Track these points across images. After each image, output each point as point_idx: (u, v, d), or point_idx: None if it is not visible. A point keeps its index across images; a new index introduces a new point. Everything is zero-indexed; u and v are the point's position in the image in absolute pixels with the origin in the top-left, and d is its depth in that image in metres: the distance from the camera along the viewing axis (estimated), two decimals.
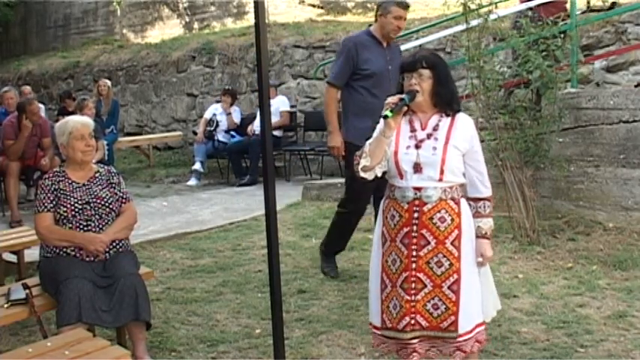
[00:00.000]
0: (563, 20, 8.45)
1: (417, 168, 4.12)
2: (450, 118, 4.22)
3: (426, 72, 4.18)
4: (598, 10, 10.02)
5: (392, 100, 4.14)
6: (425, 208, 4.12)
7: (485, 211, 4.28)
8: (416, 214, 4.14)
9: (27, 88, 14.44)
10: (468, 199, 4.28)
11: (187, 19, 18.97)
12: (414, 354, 4.19)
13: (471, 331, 4.20)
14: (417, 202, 4.13)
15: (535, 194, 7.95)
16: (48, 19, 21.56)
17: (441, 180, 4.12)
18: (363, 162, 4.19)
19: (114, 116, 13.78)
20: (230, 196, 11.39)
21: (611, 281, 6.54)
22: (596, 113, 8.03)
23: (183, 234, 8.82)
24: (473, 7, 8.34)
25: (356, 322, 5.85)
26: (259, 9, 4.17)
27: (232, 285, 6.85)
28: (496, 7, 8.94)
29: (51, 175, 5.33)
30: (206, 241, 8.48)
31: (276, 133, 12.26)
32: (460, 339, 4.16)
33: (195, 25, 18.77)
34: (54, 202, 5.17)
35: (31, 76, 18.73)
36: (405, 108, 4.16)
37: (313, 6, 17.02)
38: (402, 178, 4.17)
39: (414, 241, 4.14)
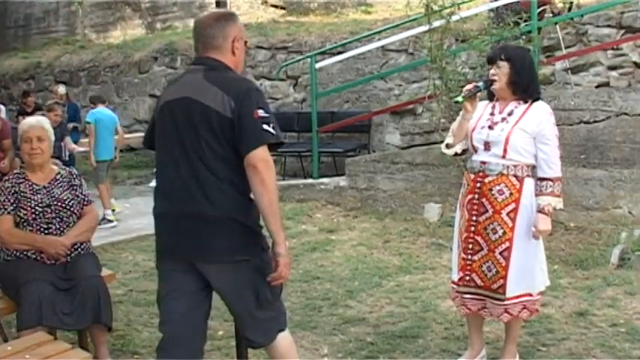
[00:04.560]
0: (525, 21, 8.53)
1: (487, 146, 4.68)
2: (526, 105, 4.71)
3: (504, 63, 4.68)
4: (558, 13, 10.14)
5: (467, 87, 4.71)
6: (486, 180, 4.67)
7: (546, 190, 4.61)
8: (478, 184, 4.70)
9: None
10: (537, 179, 4.66)
11: (149, 20, 18.86)
12: (463, 307, 4.84)
13: (518, 297, 4.69)
14: (480, 174, 4.70)
15: None
16: (8, 19, 21.30)
17: (504, 157, 4.62)
18: (448, 140, 4.88)
19: (75, 119, 13.65)
20: None
21: (572, 280, 6.60)
22: (557, 114, 7.98)
23: (145, 236, 8.77)
24: (435, 8, 8.38)
25: (319, 323, 5.85)
26: (221, 9, 4.16)
27: None
28: (458, 8, 8.99)
29: (11, 176, 5.25)
30: None
31: None
32: (507, 302, 4.66)
33: (158, 26, 18.66)
34: (14, 205, 5.09)
35: None
36: (479, 93, 4.73)
37: (276, 7, 17.00)
38: (475, 153, 4.75)
39: (475, 207, 4.71)
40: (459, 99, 4.64)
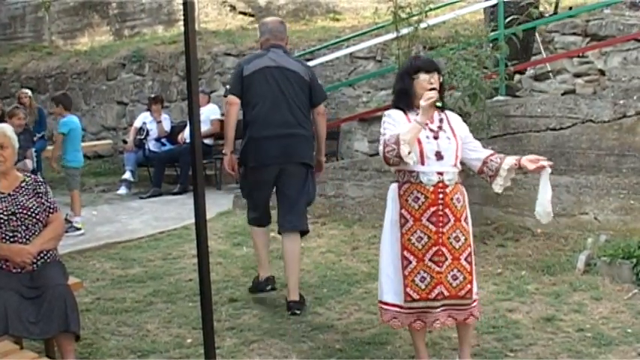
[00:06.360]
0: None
1: (439, 155, 4.70)
2: (444, 114, 4.88)
3: (437, 75, 4.83)
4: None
5: (432, 94, 4.64)
6: (447, 190, 4.71)
7: (502, 154, 4.97)
8: (441, 195, 4.70)
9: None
10: (486, 159, 4.91)
11: (117, 26, 18.75)
12: (437, 322, 4.77)
13: (476, 299, 4.89)
14: (440, 185, 4.70)
15: None
16: None
17: (455, 165, 4.76)
18: (406, 149, 4.61)
19: (41, 125, 13.54)
20: (161, 205, 11.31)
21: (539, 286, 6.63)
22: (524, 121, 8.15)
23: (113, 243, 8.74)
24: (403, 15, 8.41)
25: (287, 331, 5.85)
26: (189, 14, 4.14)
27: (163, 294, 6.80)
28: (426, 15, 9.01)
29: None
30: (136, 251, 8.41)
31: (207, 141, 12.21)
32: (472, 305, 4.81)
33: (126, 33, 18.55)
34: None
35: None
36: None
37: (244, 14, 16.98)
38: (423, 164, 4.70)
39: (440, 218, 4.71)
40: (439, 104, 4.64)
